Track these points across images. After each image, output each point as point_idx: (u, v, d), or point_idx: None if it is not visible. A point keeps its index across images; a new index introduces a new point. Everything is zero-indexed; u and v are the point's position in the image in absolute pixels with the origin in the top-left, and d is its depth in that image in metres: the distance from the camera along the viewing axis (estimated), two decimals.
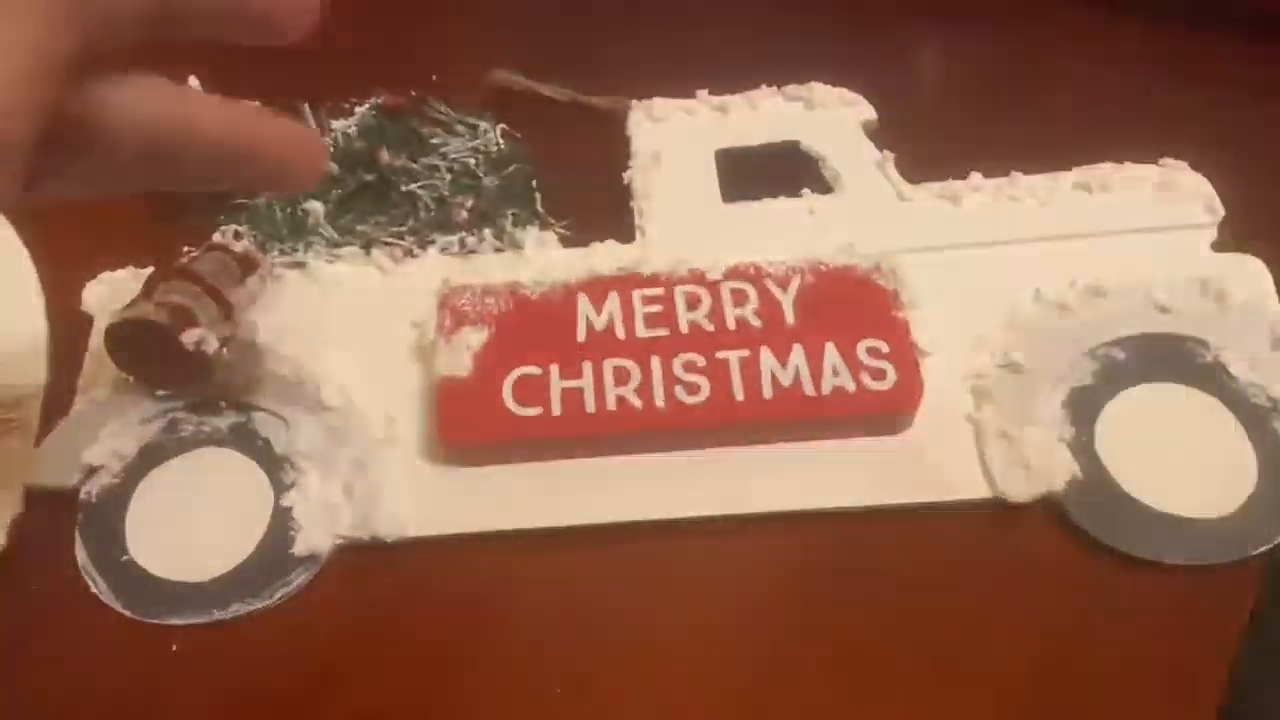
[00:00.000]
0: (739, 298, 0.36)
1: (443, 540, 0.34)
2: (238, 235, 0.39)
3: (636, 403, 0.34)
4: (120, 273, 0.40)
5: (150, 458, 0.36)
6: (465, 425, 0.34)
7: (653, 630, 0.33)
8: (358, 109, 0.43)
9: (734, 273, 0.36)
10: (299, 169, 0.25)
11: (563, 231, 0.40)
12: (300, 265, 0.39)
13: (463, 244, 0.39)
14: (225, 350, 0.35)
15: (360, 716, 0.32)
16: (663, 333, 0.35)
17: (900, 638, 0.32)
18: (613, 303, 0.36)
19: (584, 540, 0.34)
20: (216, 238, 0.39)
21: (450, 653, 0.33)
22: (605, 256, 0.38)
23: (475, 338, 0.36)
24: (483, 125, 0.42)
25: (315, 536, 0.34)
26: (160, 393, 0.36)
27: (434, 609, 0.33)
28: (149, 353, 0.35)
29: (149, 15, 0.22)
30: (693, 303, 0.36)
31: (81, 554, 0.34)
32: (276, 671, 0.33)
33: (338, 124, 0.42)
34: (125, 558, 0.34)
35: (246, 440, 0.36)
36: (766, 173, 0.40)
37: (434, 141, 0.41)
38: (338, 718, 0.32)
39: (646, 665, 0.32)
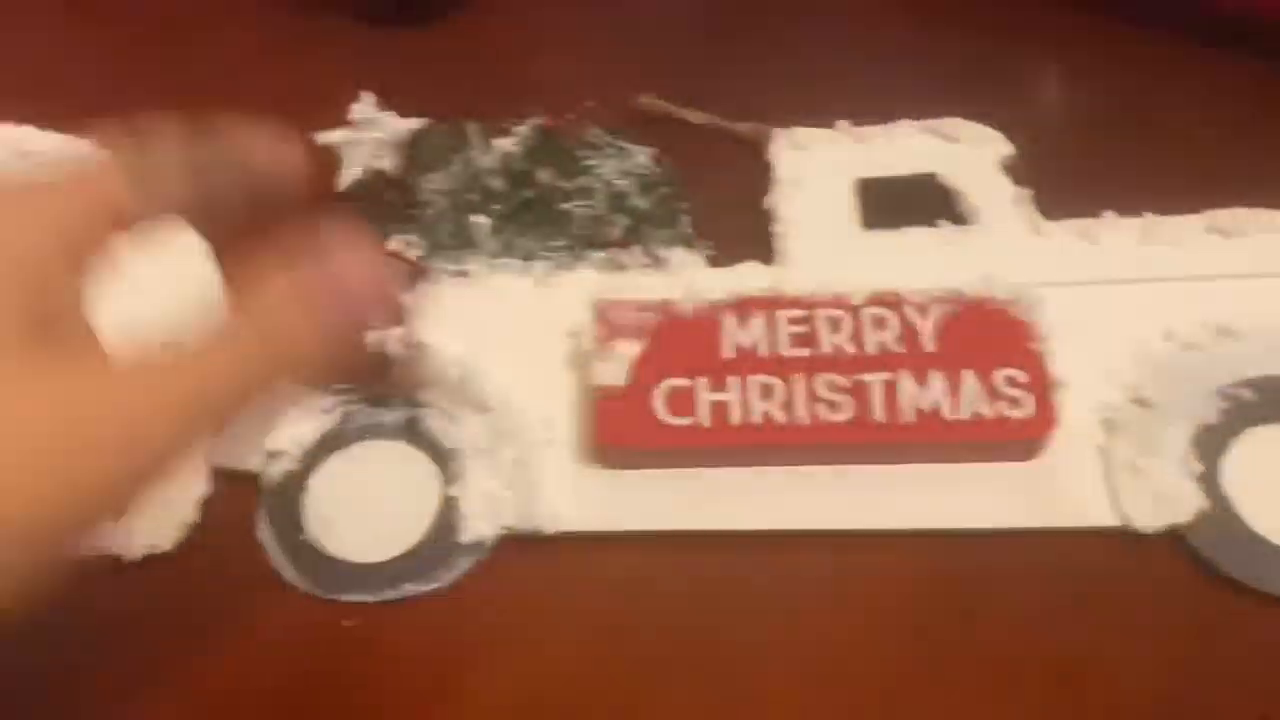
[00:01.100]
0: (879, 323, 0.38)
1: (596, 536, 0.37)
2: (408, 244, 0.42)
3: (781, 417, 0.36)
4: None
5: (328, 446, 0.39)
6: (621, 431, 0.37)
7: (784, 636, 0.35)
8: (517, 129, 0.45)
9: (875, 299, 0.38)
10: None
11: (708, 252, 0.43)
12: (464, 275, 0.42)
13: (614, 261, 0.42)
14: (401, 350, 0.38)
15: (514, 693, 0.34)
16: (805, 353, 0.37)
17: (1024, 659, 0.34)
18: (758, 322, 0.38)
19: (727, 545, 0.36)
20: (391, 245, 0.42)
21: (598, 639, 0.35)
22: (749, 278, 0.41)
23: (630, 349, 0.38)
24: (634, 149, 0.45)
25: (481, 526, 0.37)
26: (338, 386, 0.39)
27: (585, 599, 0.36)
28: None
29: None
30: (834, 326, 0.38)
31: (265, 533, 0.37)
32: (440, 649, 0.36)
33: (499, 142, 0.45)
34: (304, 537, 0.37)
35: (416, 434, 0.39)
36: (904, 203, 0.42)
37: (589, 163, 0.44)
38: (495, 695, 0.35)
39: (775, 670, 0.34)
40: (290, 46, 0.53)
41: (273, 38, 0.54)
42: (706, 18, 0.54)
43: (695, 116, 0.49)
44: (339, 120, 0.46)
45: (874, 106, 0.45)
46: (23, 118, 0.50)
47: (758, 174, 0.45)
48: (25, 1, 0.58)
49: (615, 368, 0.38)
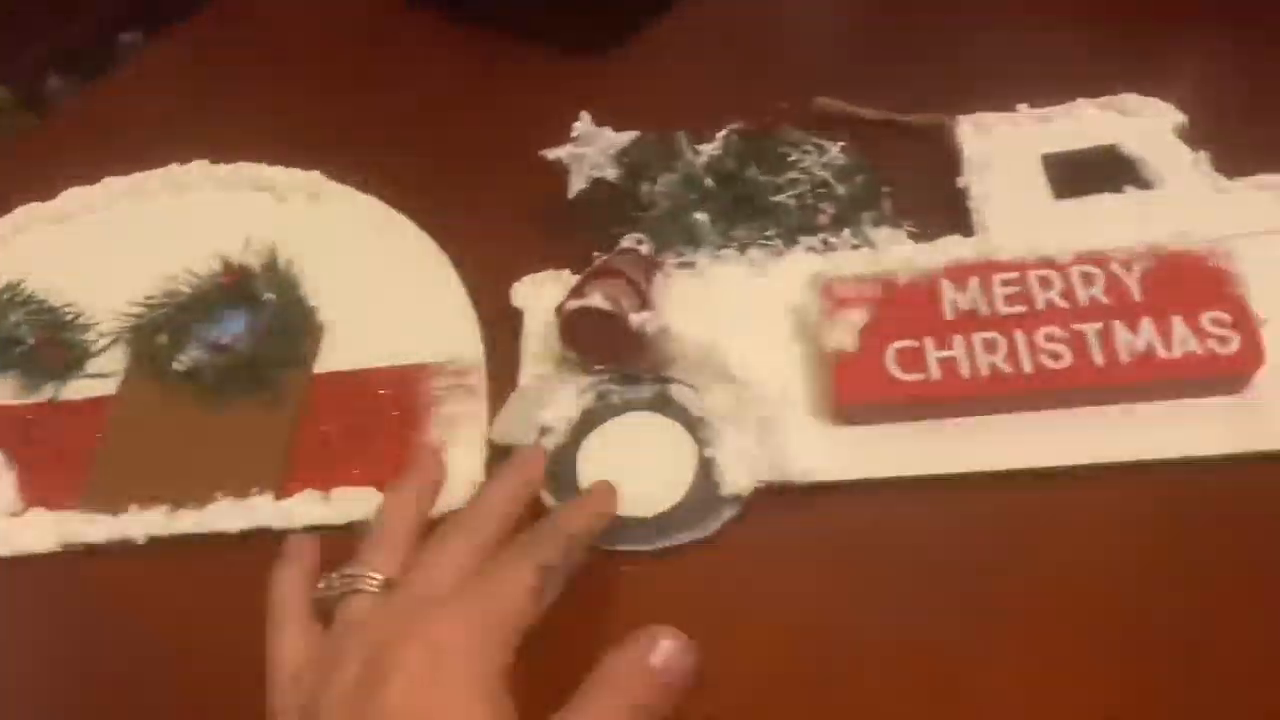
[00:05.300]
0: (1088, 279, 0.42)
1: (843, 485, 0.41)
2: (639, 241, 0.47)
3: (1006, 369, 0.40)
4: (541, 275, 0.48)
5: (590, 421, 0.44)
6: (859, 389, 0.41)
7: (1017, 563, 0.39)
8: (718, 135, 0.50)
9: (1081, 258, 0.42)
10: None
11: (911, 230, 0.47)
12: (690, 265, 0.47)
13: (825, 243, 0.47)
14: (648, 333, 0.43)
15: (781, 628, 0.39)
16: (1022, 310, 0.41)
17: (1245, 578, 0.37)
18: (974, 286, 0.42)
19: (962, 486, 0.40)
20: (626, 243, 0.47)
21: (852, 576, 0.40)
22: (954, 249, 0.45)
23: (856, 317, 0.43)
24: (826, 144, 0.50)
25: (738, 480, 0.41)
26: (597, 368, 0.44)
27: (837, 541, 0.40)
28: (597, 335, 0.43)
29: None
30: (1046, 284, 0.42)
31: (548, 498, 0.42)
32: (709, 588, 0.40)
33: (703, 148, 0.50)
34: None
35: (667, 405, 0.44)
36: (1090, 173, 0.46)
37: (791, 159, 0.48)
38: (763, 629, 0.39)
39: (1013, 594, 0.38)
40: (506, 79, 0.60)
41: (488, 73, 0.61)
42: (867, 17, 0.59)
43: (870, 113, 0.53)
44: (561, 139, 0.51)
45: (1048, 91, 0.49)
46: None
47: (940, 157, 0.49)
48: None
49: (846, 334, 0.42)
